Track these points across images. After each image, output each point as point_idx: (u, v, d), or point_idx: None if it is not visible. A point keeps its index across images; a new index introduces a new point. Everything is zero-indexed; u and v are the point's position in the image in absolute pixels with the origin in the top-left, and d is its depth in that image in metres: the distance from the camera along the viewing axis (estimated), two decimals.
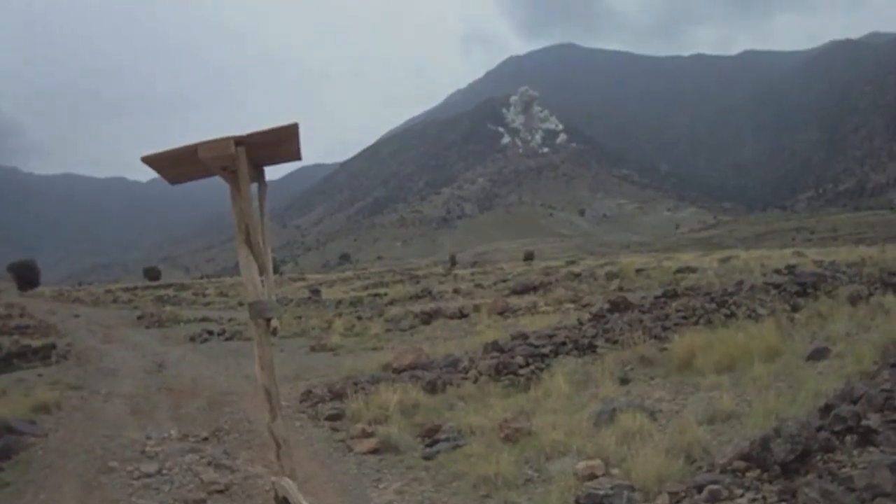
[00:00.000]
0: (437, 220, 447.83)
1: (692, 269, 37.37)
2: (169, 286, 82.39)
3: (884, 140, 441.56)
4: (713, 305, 17.94)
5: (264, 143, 4.87)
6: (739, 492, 6.32)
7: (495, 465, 8.39)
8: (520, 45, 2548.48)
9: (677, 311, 17.99)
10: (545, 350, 15.23)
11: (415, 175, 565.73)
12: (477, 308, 28.37)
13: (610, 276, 38.99)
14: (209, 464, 9.90)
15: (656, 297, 21.12)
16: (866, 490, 5.46)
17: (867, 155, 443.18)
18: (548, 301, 29.62)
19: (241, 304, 42.50)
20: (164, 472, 9.66)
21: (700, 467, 7.44)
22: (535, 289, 35.70)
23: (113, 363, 21.11)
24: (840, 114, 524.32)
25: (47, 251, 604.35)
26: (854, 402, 7.14)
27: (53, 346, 23.63)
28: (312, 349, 22.82)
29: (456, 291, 41.04)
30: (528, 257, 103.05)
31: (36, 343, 24.67)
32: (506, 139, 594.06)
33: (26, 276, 78.45)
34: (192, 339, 27.52)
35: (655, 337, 15.82)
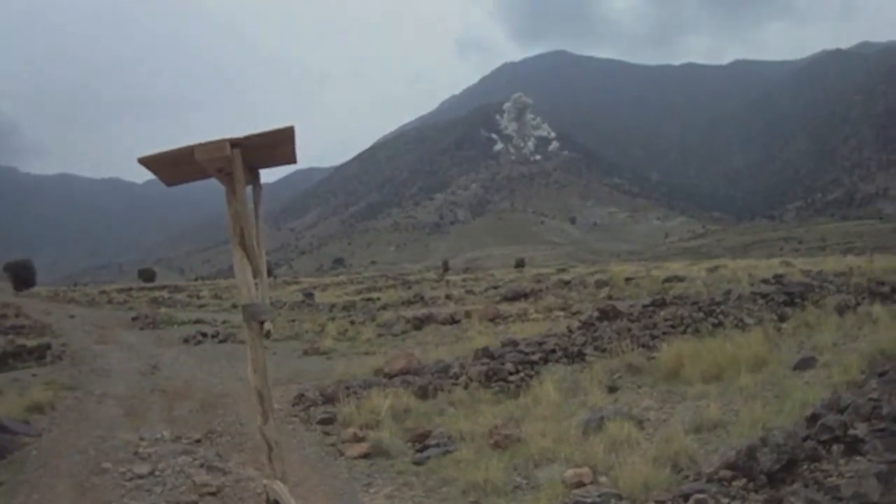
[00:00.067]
0: (430, 226, 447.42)
1: (680, 279, 37.36)
2: (164, 288, 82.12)
3: (873, 150, 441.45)
4: (701, 314, 18.00)
5: (260, 146, 4.90)
6: (726, 501, 6.38)
7: (484, 471, 8.45)
8: (515, 52, 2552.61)
9: (665, 319, 18.06)
10: (535, 357, 15.27)
11: (409, 180, 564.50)
12: (468, 314, 28.41)
13: (600, 285, 39.00)
14: (201, 466, 9.92)
15: (645, 306, 21.16)
16: (853, 499, 5.50)
17: (857, 165, 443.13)
18: (538, 308, 29.65)
19: (235, 306, 42.39)
20: (157, 473, 9.67)
21: (687, 476, 7.49)
22: (525, 296, 35.74)
23: (107, 364, 21.08)
24: (830, 124, 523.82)
25: (44, 251, 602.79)
26: (841, 412, 7.19)
27: (48, 347, 23.57)
28: (305, 353, 22.82)
29: (448, 297, 41.03)
30: (519, 264, 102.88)
31: (31, 343, 24.57)
32: (499, 146, 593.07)
33: (22, 276, 78.05)
34: (186, 340, 27.47)
35: (644, 345, 15.91)
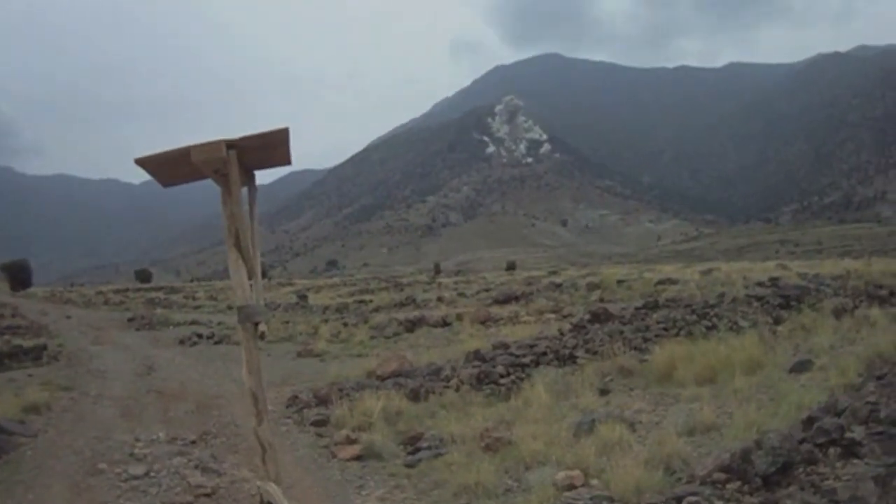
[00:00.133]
0: (422, 228, 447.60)
1: (673, 281, 37.31)
2: (160, 289, 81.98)
3: (871, 153, 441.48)
4: (694, 317, 18.03)
5: (255, 147, 4.90)
6: None
7: (476, 473, 8.43)
8: (508, 54, 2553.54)
9: (658, 322, 18.08)
10: (526, 360, 15.31)
11: (401, 183, 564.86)
12: (459, 317, 28.40)
13: (591, 287, 38.94)
14: (196, 467, 9.90)
15: (637, 309, 21.21)
16: (850, 502, 5.49)
17: (854, 168, 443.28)
18: (529, 311, 29.63)
19: (230, 307, 42.42)
20: (152, 474, 9.66)
21: (680, 479, 7.47)
22: (516, 298, 35.69)
23: (103, 365, 21.05)
24: (827, 127, 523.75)
25: (41, 251, 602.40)
26: (838, 415, 7.18)
27: (45, 347, 23.54)
28: (299, 354, 22.84)
29: (439, 300, 40.99)
30: (511, 267, 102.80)
31: (27, 343, 24.56)
32: (490, 148, 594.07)
33: (19, 277, 77.83)
34: (182, 342, 27.50)
35: (636, 348, 15.93)
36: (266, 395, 5.12)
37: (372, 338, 26.04)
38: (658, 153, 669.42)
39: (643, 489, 7.20)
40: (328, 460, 10.42)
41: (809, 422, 7.26)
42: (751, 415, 9.20)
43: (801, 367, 11.92)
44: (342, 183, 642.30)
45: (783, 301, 19.65)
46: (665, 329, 17.31)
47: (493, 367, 14.66)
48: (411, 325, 27.75)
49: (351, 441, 10.81)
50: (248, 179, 5.15)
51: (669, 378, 12.87)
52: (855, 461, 6.25)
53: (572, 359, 15.64)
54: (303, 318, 36.02)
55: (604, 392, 12.77)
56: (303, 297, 50.97)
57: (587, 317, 20.78)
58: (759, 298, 20.10)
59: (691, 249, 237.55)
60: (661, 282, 37.63)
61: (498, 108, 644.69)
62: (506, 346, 16.97)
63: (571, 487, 7.77)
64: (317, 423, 12.39)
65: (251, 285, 5.04)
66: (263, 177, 5.51)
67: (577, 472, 8.08)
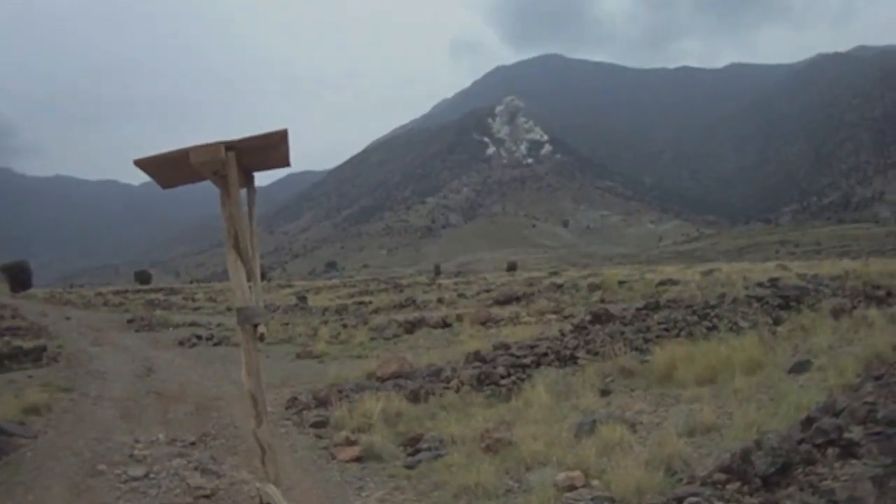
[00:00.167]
0: (422, 230, 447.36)
1: (674, 282, 37.28)
2: (159, 290, 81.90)
3: (870, 154, 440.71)
4: (695, 318, 18.02)
5: (254, 149, 4.90)
6: None
7: (476, 474, 8.42)
8: (508, 55, 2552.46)
9: (659, 323, 18.06)
10: (527, 361, 15.31)
11: (401, 184, 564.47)
12: (460, 318, 28.41)
13: (592, 288, 38.92)
14: (196, 469, 9.92)
15: (638, 309, 21.14)
16: (848, 503, 5.49)
17: (853, 168, 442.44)
18: (530, 312, 29.64)
19: (229, 309, 42.42)
20: (152, 476, 9.68)
21: (680, 480, 7.46)
22: (517, 299, 35.69)
23: (103, 366, 21.07)
24: (826, 127, 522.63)
25: (40, 252, 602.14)
26: (836, 415, 7.17)
27: (44, 348, 23.57)
28: (298, 356, 22.86)
29: (439, 301, 40.99)
30: (511, 268, 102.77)
31: (27, 345, 24.58)
32: (491, 149, 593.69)
33: (19, 278, 77.71)
34: (181, 343, 27.54)
35: (637, 349, 15.93)
36: (265, 396, 5.12)
37: (372, 339, 26.06)
38: (658, 154, 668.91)
39: (644, 490, 7.21)
40: (328, 462, 10.43)
41: (808, 422, 7.26)
42: (750, 415, 9.21)
43: (800, 367, 11.92)
44: (341, 184, 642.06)
45: (783, 301, 19.67)
46: (666, 330, 17.31)
47: (494, 367, 14.67)
48: (411, 327, 27.77)
49: (350, 442, 10.81)
50: (247, 181, 5.16)
51: (670, 379, 12.88)
52: (853, 461, 6.24)
53: (573, 359, 15.64)
54: (302, 319, 36.05)
55: (605, 393, 12.78)
56: (302, 299, 50.97)
57: (588, 317, 20.75)
58: (759, 299, 20.11)
59: (692, 250, 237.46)
60: (662, 282, 37.61)
61: (498, 108, 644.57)
62: (506, 346, 16.96)
63: (572, 488, 7.77)
64: (316, 425, 12.39)
65: (250, 287, 5.05)
66: (262, 178, 5.52)
67: (577, 473, 8.08)
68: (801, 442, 6.81)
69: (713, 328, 16.93)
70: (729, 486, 6.62)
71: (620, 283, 40.45)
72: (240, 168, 4.83)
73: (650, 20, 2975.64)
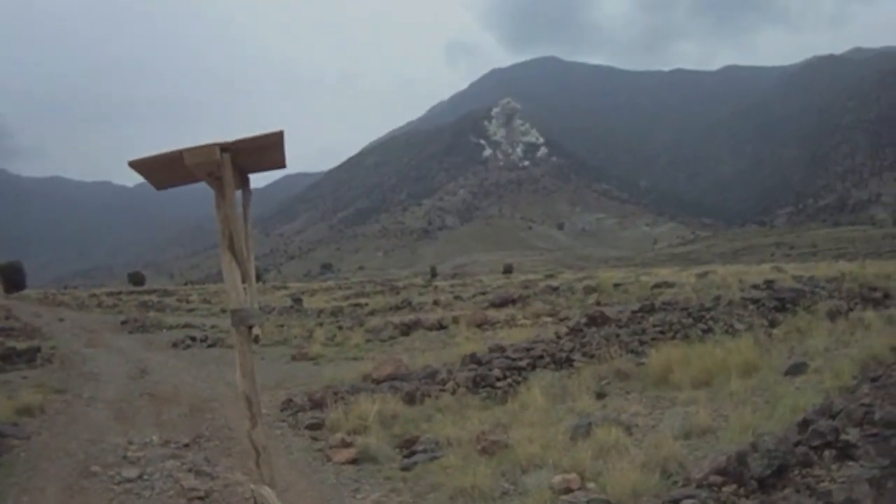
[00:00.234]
0: (418, 232, 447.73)
1: (670, 284, 37.34)
2: (153, 291, 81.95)
3: (866, 156, 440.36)
4: (690, 320, 18.02)
5: (250, 150, 4.89)
6: None
7: (472, 477, 8.40)
8: (505, 57, 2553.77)
9: (654, 325, 18.06)
10: (522, 363, 15.28)
11: (397, 186, 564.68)
12: (456, 320, 28.37)
13: (588, 291, 38.97)
14: (190, 470, 9.90)
15: (633, 312, 21.13)
16: None
17: (849, 171, 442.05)
18: (526, 314, 29.63)
19: (223, 311, 42.38)
20: (146, 477, 9.66)
21: (676, 482, 7.46)
22: (513, 302, 35.68)
23: (97, 367, 21.06)
24: (822, 129, 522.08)
25: (35, 253, 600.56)
26: (833, 417, 7.17)
27: (38, 349, 23.51)
28: (293, 358, 22.80)
29: (435, 303, 41.01)
30: (507, 270, 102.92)
31: (21, 346, 24.55)
32: (487, 152, 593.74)
33: (13, 279, 77.67)
34: (175, 345, 27.48)
35: (632, 351, 15.93)
36: (260, 398, 5.12)
37: (367, 341, 26.03)
38: (655, 156, 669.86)
39: (640, 492, 7.21)
40: (323, 464, 10.41)
41: (804, 424, 7.25)
42: (746, 417, 9.21)
43: (796, 369, 11.92)
44: (337, 186, 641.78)
45: (778, 304, 19.67)
46: (661, 332, 17.31)
47: (490, 370, 14.65)
48: (407, 329, 27.76)
49: (346, 444, 10.80)
50: (243, 182, 5.15)
51: (666, 381, 12.88)
52: (850, 463, 6.24)
53: (569, 362, 15.64)
54: (297, 321, 36.02)
55: (600, 395, 12.77)
56: (297, 301, 50.97)
57: (584, 320, 20.75)
58: (755, 301, 20.11)
59: (687, 253, 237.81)
60: (657, 285, 37.69)
61: (494, 111, 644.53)
62: (502, 349, 16.94)
63: (568, 491, 7.76)
64: (312, 427, 12.37)
65: (245, 288, 5.03)
66: (258, 180, 5.51)
67: (573, 476, 8.06)
68: (797, 444, 6.80)
69: (709, 330, 16.92)
70: (725, 489, 6.60)
71: (616, 285, 40.51)
72: (235, 169, 4.82)
73: (646, 23, 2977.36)
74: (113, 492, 9.14)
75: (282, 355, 23.66)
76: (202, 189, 4.95)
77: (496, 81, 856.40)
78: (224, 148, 4.69)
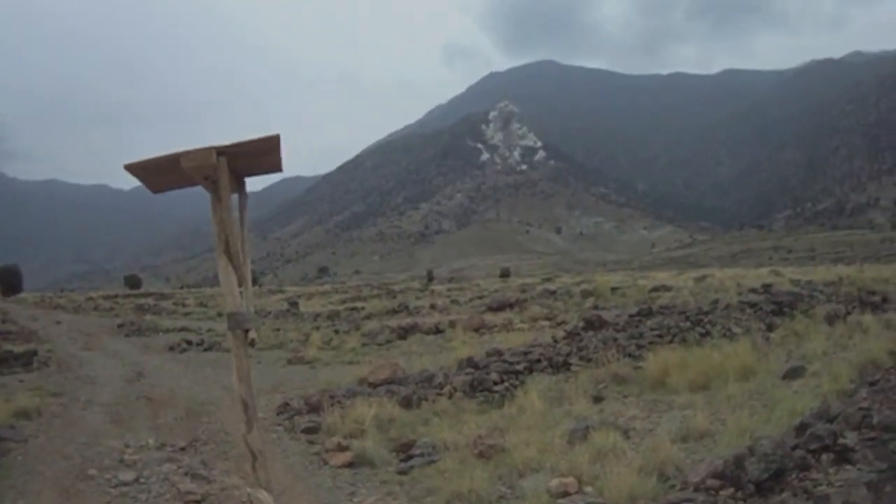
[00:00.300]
0: (415, 236, 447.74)
1: (667, 288, 37.28)
2: (149, 295, 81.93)
3: (864, 160, 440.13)
4: (688, 324, 18.00)
5: (246, 154, 4.88)
6: None
7: (469, 481, 8.37)
8: (502, 61, 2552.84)
9: (652, 329, 18.04)
10: (519, 367, 15.26)
11: (394, 190, 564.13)
12: (453, 324, 28.35)
13: (585, 294, 38.92)
14: (186, 474, 9.91)
15: (631, 316, 21.11)
16: None
17: (847, 175, 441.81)
18: (523, 318, 29.61)
19: (220, 314, 42.40)
20: (142, 480, 9.68)
21: (673, 486, 7.46)
22: (510, 306, 35.64)
23: (93, 371, 21.12)
24: (820, 133, 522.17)
25: (31, 256, 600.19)
26: (830, 421, 7.16)
27: (35, 353, 23.56)
28: (290, 362, 22.81)
29: (432, 307, 40.98)
30: (505, 274, 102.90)
31: (18, 349, 24.53)
32: (484, 156, 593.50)
33: (9, 282, 77.82)
34: (172, 348, 27.56)
35: (630, 355, 15.90)
36: (256, 402, 5.10)
37: (364, 345, 26.02)
38: (652, 160, 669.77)
39: (637, 496, 7.20)
40: (319, 467, 10.41)
41: (802, 428, 7.24)
42: (744, 421, 9.20)
43: (793, 373, 11.90)
44: (334, 190, 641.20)
45: (776, 307, 19.65)
46: (659, 336, 17.29)
47: (487, 374, 14.63)
48: (404, 333, 27.74)
49: (342, 448, 10.78)
50: (239, 186, 5.14)
51: (663, 385, 12.87)
52: (848, 467, 6.24)
53: (566, 366, 15.62)
54: (294, 325, 36.06)
55: (598, 399, 12.76)
56: (294, 305, 50.92)
57: (581, 324, 20.75)
58: (753, 305, 20.10)
59: (685, 256, 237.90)
60: (655, 289, 37.63)
61: (492, 114, 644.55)
62: (499, 353, 16.91)
63: (565, 494, 7.75)
64: (308, 431, 12.36)
65: (241, 292, 5.02)
66: (254, 183, 5.51)
67: (570, 479, 8.06)
68: (795, 448, 6.80)
69: (706, 334, 16.91)
70: (722, 492, 6.60)
71: (613, 289, 40.45)
72: (231, 173, 4.81)
73: (645, 26, 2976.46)
74: (109, 495, 9.16)
75: (278, 359, 23.68)
76: (199, 192, 4.94)
77: (494, 85, 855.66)
78: (220, 151, 4.68)
